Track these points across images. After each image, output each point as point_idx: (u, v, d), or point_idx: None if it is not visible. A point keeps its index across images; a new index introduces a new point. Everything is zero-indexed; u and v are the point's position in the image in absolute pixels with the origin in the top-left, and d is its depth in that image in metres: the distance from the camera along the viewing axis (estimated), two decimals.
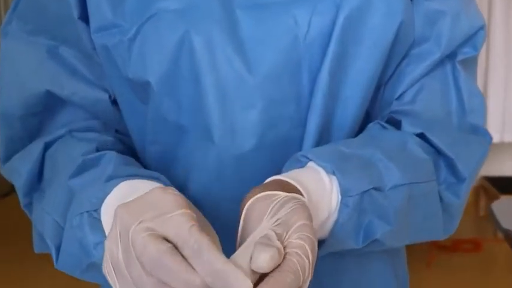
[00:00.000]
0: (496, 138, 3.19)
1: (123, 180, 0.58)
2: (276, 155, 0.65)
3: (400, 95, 0.69)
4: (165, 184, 0.60)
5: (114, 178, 0.59)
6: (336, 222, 0.58)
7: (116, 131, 0.72)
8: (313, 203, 0.56)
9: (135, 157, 0.70)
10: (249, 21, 0.63)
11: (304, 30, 0.63)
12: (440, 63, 0.69)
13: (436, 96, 0.69)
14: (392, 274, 0.76)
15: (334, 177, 0.59)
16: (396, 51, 0.66)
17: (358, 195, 0.58)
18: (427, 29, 0.68)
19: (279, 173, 0.61)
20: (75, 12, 0.66)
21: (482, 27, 0.70)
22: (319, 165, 0.59)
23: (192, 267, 0.44)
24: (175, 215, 0.46)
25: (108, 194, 0.57)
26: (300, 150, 0.64)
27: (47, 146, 0.68)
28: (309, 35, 0.63)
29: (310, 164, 0.60)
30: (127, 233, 0.46)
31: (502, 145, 3.42)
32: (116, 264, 0.47)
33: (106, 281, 0.54)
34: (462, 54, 0.70)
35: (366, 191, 0.59)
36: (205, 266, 0.43)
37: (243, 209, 0.53)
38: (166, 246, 0.44)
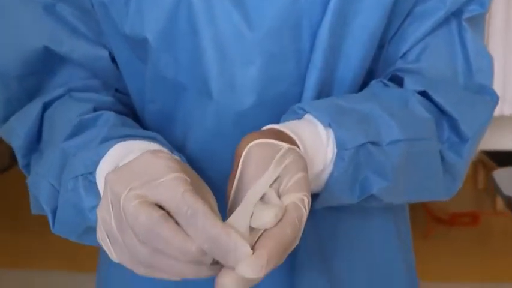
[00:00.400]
0: (495, 111, 3.19)
1: (118, 142, 0.57)
2: (276, 112, 0.64)
3: (404, 54, 0.68)
4: (162, 144, 0.59)
5: (109, 140, 0.58)
6: (331, 175, 0.58)
7: (116, 90, 0.71)
8: (309, 155, 0.56)
9: (135, 117, 0.70)
10: None
11: None
12: (445, 21, 0.68)
13: (441, 55, 0.68)
14: (394, 231, 0.76)
15: (330, 130, 0.58)
16: (399, 9, 0.65)
17: (354, 149, 0.58)
18: None
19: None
20: None
21: None
22: (315, 117, 0.59)
23: (187, 234, 0.43)
24: (166, 180, 0.45)
25: (103, 156, 0.56)
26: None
27: (46, 106, 0.68)
28: None
29: (307, 116, 0.60)
30: (118, 201, 0.45)
31: (502, 118, 3.41)
32: (109, 232, 0.47)
33: None
34: (468, 12, 0.68)
35: (362, 145, 0.58)
36: (201, 232, 0.42)
37: (240, 154, 0.52)
38: (159, 213, 0.43)
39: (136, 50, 0.66)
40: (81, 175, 0.56)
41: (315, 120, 0.59)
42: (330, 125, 0.58)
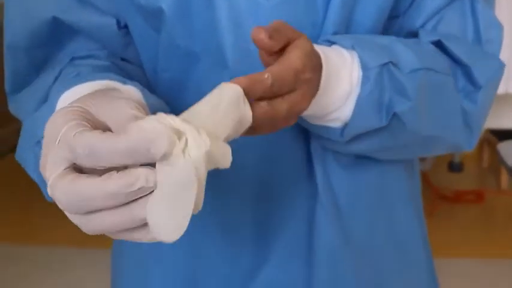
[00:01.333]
0: (499, 89, 3.18)
1: (63, 93, 0.56)
2: None
3: (420, 27, 0.70)
4: (142, 91, 0.58)
5: (60, 92, 0.57)
6: (359, 96, 0.60)
7: (123, 59, 0.72)
8: (334, 75, 0.58)
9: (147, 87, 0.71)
10: None
11: None
12: None
13: (454, 27, 0.70)
14: (410, 198, 0.77)
15: (354, 52, 0.60)
16: None
17: (378, 68, 0.60)
18: None
19: None
20: None
21: None
22: (339, 42, 0.61)
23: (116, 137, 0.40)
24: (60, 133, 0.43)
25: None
26: None
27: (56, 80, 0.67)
28: None
29: (332, 46, 0.62)
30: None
31: (507, 96, 3.40)
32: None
33: None
34: None
35: (385, 64, 0.60)
36: (111, 155, 0.40)
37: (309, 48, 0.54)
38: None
39: (150, 20, 0.66)
40: (42, 138, 0.55)
41: (339, 47, 0.61)
42: (353, 47, 0.60)
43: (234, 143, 0.63)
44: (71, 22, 0.67)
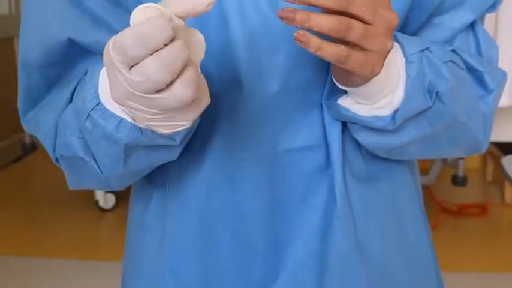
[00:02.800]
0: (504, 102, 3.18)
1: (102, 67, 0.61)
2: (300, 96, 0.68)
3: None
4: None
5: (99, 68, 0.62)
6: (408, 77, 0.62)
7: None
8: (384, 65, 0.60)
9: None
10: None
11: None
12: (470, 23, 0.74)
13: (461, 48, 0.73)
14: (419, 209, 0.80)
15: (395, 42, 0.63)
16: (418, 5, 0.69)
17: (419, 53, 0.63)
18: None
19: (302, 113, 0.68)
20: None
21: None
22: None
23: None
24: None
25: (97, 84, 0.61)
26: (323, 93, 0.68)
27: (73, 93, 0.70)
28: None
29: None
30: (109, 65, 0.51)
31: (510, 109, 3.40)
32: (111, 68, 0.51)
33: (152, 160, 0.62)
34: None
35: (423, 50, 0.64)
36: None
37: None
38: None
39: None
40: (91, 110, 0.61)
41: None
42: (395, 37, 0.63)
43: (249, 155, 0.64)
44: (85, 44, 0.69)
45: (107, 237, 3.06)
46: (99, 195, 3.23)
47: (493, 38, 0.80)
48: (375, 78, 0.60)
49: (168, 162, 0.70)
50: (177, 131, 0.57)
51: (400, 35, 0.65)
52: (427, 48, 0.64)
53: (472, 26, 0.74)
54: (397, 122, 0.64)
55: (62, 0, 0.69)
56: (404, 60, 0.63)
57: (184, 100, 0.50)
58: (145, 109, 0.52)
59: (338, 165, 0.69)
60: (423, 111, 0.65)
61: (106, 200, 3.25)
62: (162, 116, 0.53)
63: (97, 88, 0.61)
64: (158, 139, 0.60)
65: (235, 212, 0.71)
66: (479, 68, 0.71)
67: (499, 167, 2.56)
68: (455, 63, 0.68)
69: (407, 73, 0.62)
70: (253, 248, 0.71)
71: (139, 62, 0.49)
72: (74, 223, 3.14)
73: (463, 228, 3.12)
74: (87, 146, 0.65)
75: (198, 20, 0.65)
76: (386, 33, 0.56)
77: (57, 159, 0.72)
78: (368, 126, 0.66)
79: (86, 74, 0.67)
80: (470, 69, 0.71)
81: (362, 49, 0.55)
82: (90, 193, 3.28)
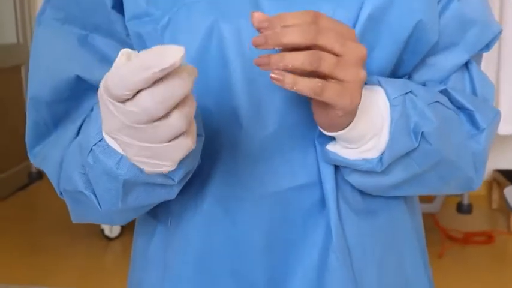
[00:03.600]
0: (507, 130, 3.18)
1: None
2: (298, 133, 0.69)
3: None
4: None
5: None
6: (391, 120, 0.64)
7: None
8: (366, 101, 0.63)
9: None
10: (276, 11, 0.66)
11: None
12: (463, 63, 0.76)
13: (455, 88, 0.75)
14: (416, 244, 0.80)
15: (378, 86, 0.66)
16: (412, 48, 0.71)
17: (402, 96, 0.65)
18: (459, 35, 0.74)
19: (299, 152, 0.69)
20: (109, 2, 0.70)
21: (500, 33, 0.77)
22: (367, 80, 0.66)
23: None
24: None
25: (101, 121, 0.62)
26: (319, 130, 0.69)
27: (80, 130, 0.71)
28: None
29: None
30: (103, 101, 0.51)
31: None
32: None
33: (151, 198, 0.63)
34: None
35: (407, 93, 0.66)
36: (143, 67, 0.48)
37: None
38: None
39: None
40: (94, 145, 0.61)
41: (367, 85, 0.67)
42: (378, 82, 0.66)
43: (248, 193, 0.66)
44: (93, 81, 0.71)
45: (112, 266, 3.05)
46: (105, 224, 3.23)
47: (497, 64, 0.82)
48: (357, 123, 0.62)
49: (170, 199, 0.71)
50: (173, 171, 0.58)
51: (383, 80, 0.66)
52: (410, 91, 0.66)
53: (467, 65, 0.76)
54: (384, 163, 0.66)
55: (71, 40, 0.72)
56: (388, 103, 0.65)
57: (179, 128, 0.51)
58: (135, 142, 0.52)
59: (332, 202, 0.70)
60: (410, 152, 0.67)
61: (111, 229, 3.25)
62: (148, 153, 0.53)
63: (101, 124, 0.61)
64: (157, 178, 0.61)
65: (235, 249, 0.72)
66: (470, 107, 0.73)
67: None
68: (441, 103, 0.70)
69: (391, 116, 0.64)
70: (253, 285, 0.72)
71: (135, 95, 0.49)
72: (79, 251, 3.13)
73: (469, 256, 3.10)
74: (87, 180, 0.66)
75: (199, 60, 0.66)
76: (357, 63, 0.57)
77: (61, 193, 0.73)
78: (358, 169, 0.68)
79: (92, 110, 0.68)
80: (462, 108, 0.73)
81: (336, 80, 0.56)
82: None
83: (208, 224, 0.72)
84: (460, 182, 0.75)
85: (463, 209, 3.28)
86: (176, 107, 0.50)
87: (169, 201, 0.72)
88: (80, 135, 0.67)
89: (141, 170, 0.60)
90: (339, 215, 0.71)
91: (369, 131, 0.64)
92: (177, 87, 0.49)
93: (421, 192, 0.76)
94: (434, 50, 0.73)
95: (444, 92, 0.73)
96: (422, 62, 0.74)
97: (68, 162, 0.68)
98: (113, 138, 0.53)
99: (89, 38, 0.72)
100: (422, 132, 0.66)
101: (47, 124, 0.74)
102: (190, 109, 0.52)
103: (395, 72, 0.72)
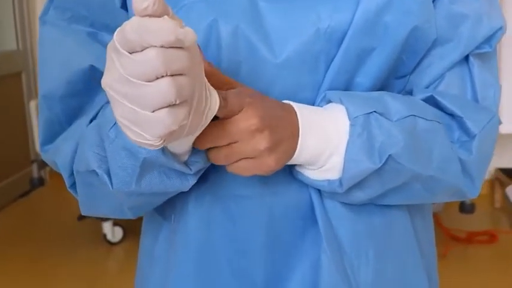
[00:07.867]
0: (509, 129, 3.18)
1: None
2: None
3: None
4: None
5: None
6: (348, 141, 0.65)
7: None
8: (316, 121, 0.65)
9: None
10: (274, 13, 0.67)
11: (326, 25, 0.67)
12: (459, 60, 0.74)
13: (455, 88, 0.74)
14: (417, 250, 0.79)
15: (341, 105, 0.66)
16: (411, 48, 0.71)
17: (363, 116, 0.65)
18: (451, 31, 0.73)
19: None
20: (118, 2, 0.71)
21: (501, 28, 0.75)
22: (328, 97, 0.67)
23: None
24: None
25: None
26: None
27: (92, 121, 0.71)
28: (329, 29, 0.67)
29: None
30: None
31: None
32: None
33: (164, 185, 0.63)
34: (478, 49, 0.75)
35: (370, 113, 0.66)
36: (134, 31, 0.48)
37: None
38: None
39: None
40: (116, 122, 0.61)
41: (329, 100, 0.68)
42: (340, 100, 0.66)
43: (248, 192, 0.66)
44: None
45: (114, 270, 3.05)
46: (107, 229, 3.23)
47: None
48: (304, 145, 0.64)
49: (175, 196, 0.71)
50: (192, 160, 0.60)
51: (347, 98, 0.66)
52: (374, 111, 0.66)
53: (468, 66, 0.75)
54: (344, 185, 0.66)
55: (81, 35, 0.72)
56: (348, 123, 0.65)
57: (167, 97, 0.49)
58: (124, 101, 0.50)
59: (319, 200, 0.71)
60: (376, 172, 0.66)
61: (114, 234, 3.25)
62: (132, 116, 0.51)
63: None
64: (175, 163, 0.62)
65: (235, 247, 0.72)
66: (459, 113, 0.71)
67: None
68: (419, 116, 0.68)
69: (349, 134, 0.65)
70: (253, 283, 0.72)
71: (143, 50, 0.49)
72: (82, 257, 3.13)
73: (473, 255, 3.09)
74: (101, 159, 0.66)
75: None
76: (252, 138, 0.61)
77: (71, 185, 0.73)
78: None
79: (108, 102, 0.68)
80: (453, 114, 0.72)
81: (246, 158, 0.62)
82: (98, 226, 3.28)
83: (208, 222, 0.73)
84: (449, 193, 0.74)
85: (465, 208, 3.28)
86: (173, 77, 0.49)
87: (174, 197, 0.72)
88: (100, 116, 0.67)
89: (162, 152, 0.60)
90: (327, 216, 0.71)
91: (324, 150, 0.65)
92: (184, 58, 0.49)
93: (410, 202, 0.75)
94: (430, 47, 0.73)
95: (430, 99, 0.72)
96: (419, 61, 0.73)
97: (83, 143, 0.68)
98: (108, 90, 0.52)
99: (99, 36, 0.73)
100: (389, 152, 0.65)
101: (60, 121, 0.74)
102: (188, 86, 0.50)
103: (396, 72, 0.72)
